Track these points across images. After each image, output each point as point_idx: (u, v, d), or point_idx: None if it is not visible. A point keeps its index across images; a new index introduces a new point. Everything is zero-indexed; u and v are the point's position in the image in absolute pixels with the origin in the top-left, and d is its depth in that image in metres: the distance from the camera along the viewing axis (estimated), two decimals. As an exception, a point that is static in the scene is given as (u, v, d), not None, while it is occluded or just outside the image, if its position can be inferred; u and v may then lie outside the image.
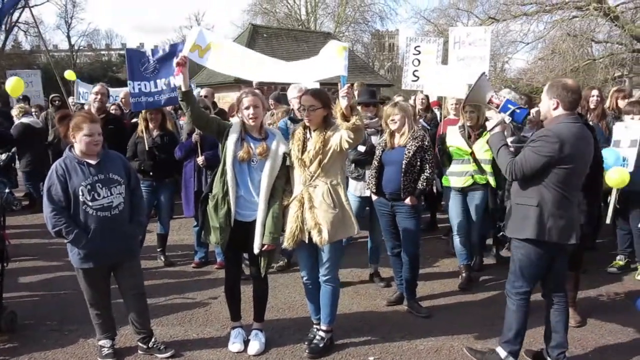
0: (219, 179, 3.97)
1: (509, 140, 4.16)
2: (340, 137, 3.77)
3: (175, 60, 3.98)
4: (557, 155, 3.38)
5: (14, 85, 9.73)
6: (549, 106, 3.57)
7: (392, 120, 4.70)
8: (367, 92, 5.75)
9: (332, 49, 3.93)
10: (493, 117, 3.81)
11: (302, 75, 4.28)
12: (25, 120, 9.23)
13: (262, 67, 4.23)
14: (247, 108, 3.95)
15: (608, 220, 5.52)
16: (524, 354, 4.00)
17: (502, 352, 3.80)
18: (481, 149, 5.30)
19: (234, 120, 4.10)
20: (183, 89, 3.90)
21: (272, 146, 3.98)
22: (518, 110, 3.67)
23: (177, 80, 3.95)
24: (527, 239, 3.56)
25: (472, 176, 5.38)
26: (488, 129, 3.83)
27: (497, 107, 3.72)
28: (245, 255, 4.42)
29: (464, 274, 5.60)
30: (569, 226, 3.54)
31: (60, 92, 9.26)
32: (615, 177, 5.26)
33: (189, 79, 4.07)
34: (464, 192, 5.48)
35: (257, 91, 4.13)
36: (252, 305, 4.32)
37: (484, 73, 3.89)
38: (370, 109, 5.47)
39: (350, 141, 3.75)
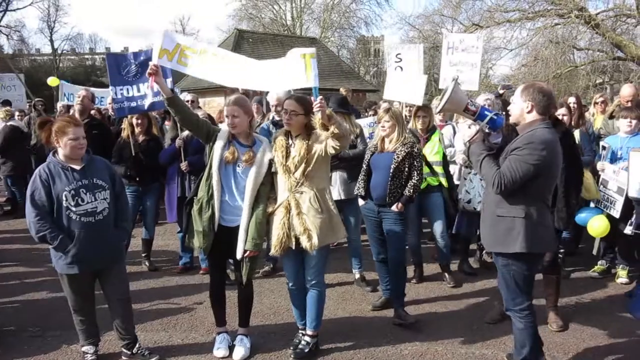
0: (204, 182, 3.97)
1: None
2: (325, 143, 3.79)
3: (147, 71, 3.94)
4: (543, 162, 3.28)
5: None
6: (522, 109, 3.45)
7: (382, 126, 4.73)
8: (336, 100, 5.70)
9: (299, 58, 3.88)
10: (465, 127, 3.72)
11: (271, 83, 4.21)
12: (12, 123, 9.20)
13: (231, 72, 4.15)
14: (227, 117, 3.96)
15: (595, 252, 5.73)
16: (506, 358, 4.05)
17: None
18: (431, 152, 5.64)
19: (223, 126, 4.09)
20: (165, 96, 3.90)
21: (259, 153, 3.99)
22: (495, 117, 3.57)
23: (158, 88, 3.94)
24: (516, 253, 3.40)
25: (425, 179, 5.51)
26: (466, 139, 3.70)
27: (474, 114, 3.59)
28: (231, 260, 4.42)
29: (416, 271, 5.94)
30: (552, 233, 3.53)
31: (31, 98, 9.24)
32: (597, 226, 5.41)
33: (172, 84, 4.03)
34: (419, 195, 5.53)
35: (240, 98, 4.08)
36: (237, 310, 4.32)
37: (456, 81, 3.69)
38: (339, 117, 5.50)
39: (337, 148, 3.78)
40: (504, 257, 3.51)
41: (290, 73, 3.94)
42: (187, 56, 4.05)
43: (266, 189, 4.01)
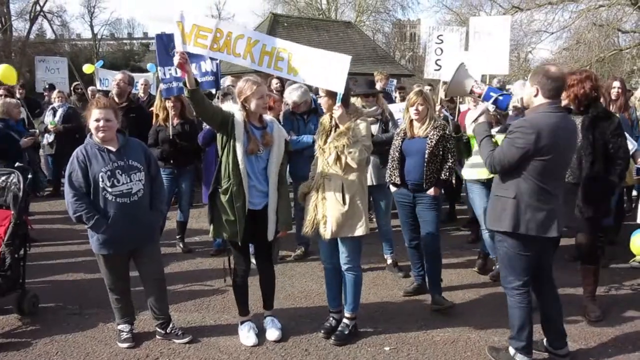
0: (231, 171, 3.87)
1: (495, 130, 4.16)
2: (345, 154, 3.86)
3: (175, 62, 3.78)
4: (533, 147, 3.31)
5: (4, 73, 9.12)
6: (530, 93, 3.51)
7: (415, 110, 4.59)
8: (366, 82, 5.73)
9: (339, 63, 3.88)
10: (477, 107, 3.84)
11: (307, 77, 4.07)
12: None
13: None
14: (261, 98, 3.87)
15: (638, 220, 5.43)
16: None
17: (511, 349, 3.74)
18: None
19: (233, 109, 3.95)
20: (189, 87, 3.71)
21: (274, 132, 4.00)
22: (501, 98, 3.65)
23: (187, 77, 3.73)
24: (506, 231, 3.52)
25: None
26: (472, 119, 3.77)
27: (480, 96, 3.72)
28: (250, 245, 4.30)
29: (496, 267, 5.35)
30: (548, 219, 3.47)
31: (77, 80, 9.38)
32: None
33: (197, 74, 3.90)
34: (489, 183, 5.29)
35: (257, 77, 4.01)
36: (259, 295, 4.33)
37: (462, 64, 3.83)
38: (369, 99, 5.54)
39: (355, 161, 3.85)
40: (498, 234, 3.64)
41: (328, 74, 3.89)
42: (204, 37, 3.86)
43: (285, 168, 4.09)
